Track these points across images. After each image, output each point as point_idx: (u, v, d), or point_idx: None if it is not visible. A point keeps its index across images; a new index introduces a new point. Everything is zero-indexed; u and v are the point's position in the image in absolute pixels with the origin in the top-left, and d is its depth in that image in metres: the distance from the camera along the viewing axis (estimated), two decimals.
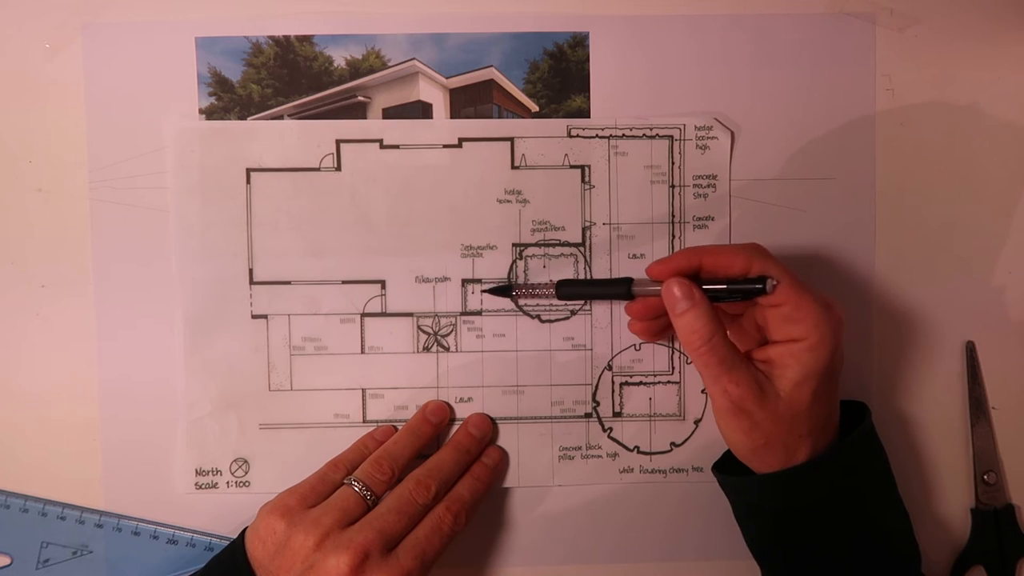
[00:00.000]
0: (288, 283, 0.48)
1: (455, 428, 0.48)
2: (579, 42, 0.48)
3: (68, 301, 0.48)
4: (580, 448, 0.49)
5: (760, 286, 0.40)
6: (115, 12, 0.48)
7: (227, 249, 0.48)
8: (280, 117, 0.49)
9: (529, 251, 0.49)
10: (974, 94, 0.49)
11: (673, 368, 0.49)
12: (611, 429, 0.49)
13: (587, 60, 0.48)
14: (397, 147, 0.48)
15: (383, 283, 0.49)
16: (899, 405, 0.49)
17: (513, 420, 0.49)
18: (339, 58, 0.48)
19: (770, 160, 0.49)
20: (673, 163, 0.49)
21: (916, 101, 0.49)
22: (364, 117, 0.49)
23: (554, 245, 0.49)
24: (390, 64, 0.48)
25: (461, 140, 0.48)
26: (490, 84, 0.49)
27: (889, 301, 0.49)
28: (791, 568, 0.43)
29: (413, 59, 0.48)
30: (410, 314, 0.49)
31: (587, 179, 0.49)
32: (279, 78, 0.48)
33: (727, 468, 0.45)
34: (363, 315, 0.49)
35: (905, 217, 0.49)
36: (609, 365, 0.49)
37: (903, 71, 0.49)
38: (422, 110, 0.49)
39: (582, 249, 0.49)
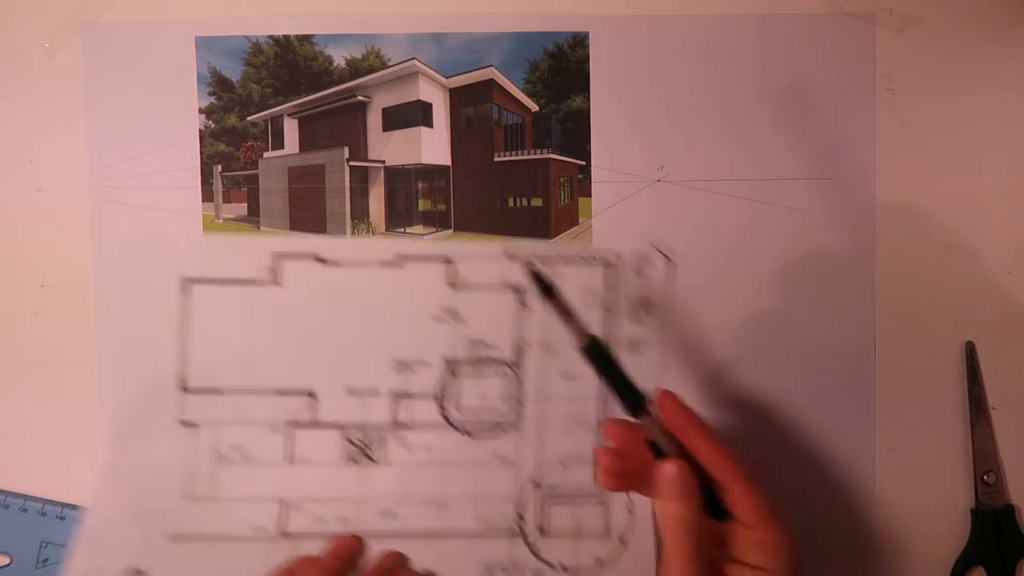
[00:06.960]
0: (219, 392, 0.48)
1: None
2: (579, 42, 0.48)
3: (68, 301, 0.48)
4: (503, 564, 0.48)
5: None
6: (115, 12, 0.48)
7: (158, 356, 0.48)
8: (280, 116, 0.49)
9: (462, 368, 0.49)
10: (974, 94, 0.49)
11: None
12: (536, 545, 0.48)
13: (587, 60, 0.48)
14: (336, 263, 0.48)
15: (313, 394, 0.48)
16: (899, 405, 0.49)
17: (435, 536, 0.48)
18: (339, 58, 0.48)
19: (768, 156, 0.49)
20: (608, 287, 0.48)
21: (916, 101, 0.49)
22: (364, 116, 0.49)
23: (487, 362, 0.49)
24: (390, 64, 0.48)
25: (399, 257, 0.48)
26: (490, 84, 0.49)
27: (889, 301, 0.49)
28: None
29: (413, 59, 0.48)
30: (340, 426, 0.48)
31: (523, 301, 0.49)
32: (279, 78, 0.48)
33: None
34: (291, 425, 0.48)
35: (905, 217, 0.49)
36: (536, 482, 0.49)
37: (903, 71, 0.49)
38: (422, 110, 0.49)
39: (516, 368, 0.49)
